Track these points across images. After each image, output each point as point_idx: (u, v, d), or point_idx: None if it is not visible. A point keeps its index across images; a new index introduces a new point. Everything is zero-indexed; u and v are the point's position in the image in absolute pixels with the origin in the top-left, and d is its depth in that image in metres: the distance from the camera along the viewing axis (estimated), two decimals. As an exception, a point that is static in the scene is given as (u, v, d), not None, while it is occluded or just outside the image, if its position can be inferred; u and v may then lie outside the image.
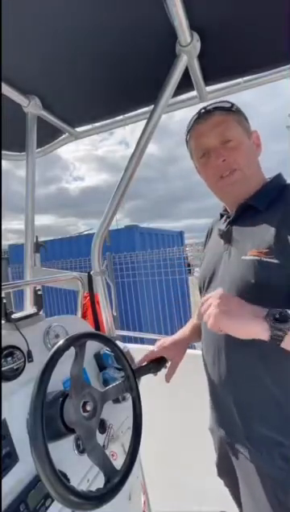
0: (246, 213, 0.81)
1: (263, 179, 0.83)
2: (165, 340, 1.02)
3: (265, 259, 0.69)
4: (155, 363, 0.97)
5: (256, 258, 0.70)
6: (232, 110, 0.82)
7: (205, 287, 0.92)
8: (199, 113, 0.85)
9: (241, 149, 0.79)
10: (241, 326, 0.60)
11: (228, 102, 0.83)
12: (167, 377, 1.00)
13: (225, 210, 0.93)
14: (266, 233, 0.71)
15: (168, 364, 1.00)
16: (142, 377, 0.94)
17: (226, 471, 0.93)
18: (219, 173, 0.81)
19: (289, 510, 0.69)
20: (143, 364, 0.97)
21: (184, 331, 1.08)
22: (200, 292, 0.97)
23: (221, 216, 0.95)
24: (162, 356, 0.99)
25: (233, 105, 0.83)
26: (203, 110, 0.84)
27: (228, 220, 0.86)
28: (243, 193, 0.81)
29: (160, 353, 0.99)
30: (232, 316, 0.61)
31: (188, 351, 1.04)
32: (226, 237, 0.84)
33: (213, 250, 0.92)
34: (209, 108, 0.83)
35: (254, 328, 0.58)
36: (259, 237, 0.73)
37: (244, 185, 0.81)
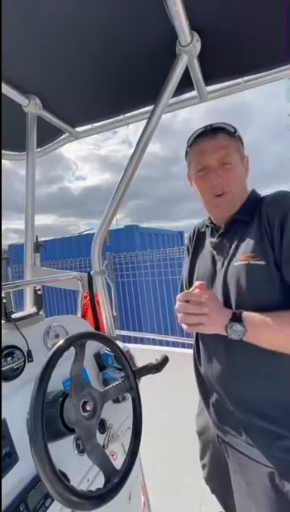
0: (234, 225, 0.89)
1: (246, 195, 0.91)
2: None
3: (252, 262, 0.77)
4: (156, 364, 0.97)
5: (245, 262, 0.79)
6: (234, 136, 0.89)
7: None
8: (205, 129, 0.90)
9: (235, 173, 0.87)
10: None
11: (231, 127, 0.89)
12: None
13: (212, 222, 0.99)
14: (250, 240, 0.80)
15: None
16: (142, 377, 0.94)
17: (217, 474, 0.93)
18: (213, 191, 0.88)
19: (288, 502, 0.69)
20: (144, 365, 0.97)
21: None
22: None
23: (207, 226, 1.02)
24: (165, 356, 0.99)
25: (236, 130, 0.90)
26: (209, 127, 0.89)
27: (219, 233, 0.93)
28: (231, 211, 0.90)
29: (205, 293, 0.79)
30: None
31: (188, 351, 1.04)
32: (219, 248, 0.91)
33: (206, 260, 0.96)
34: (215, 126, 0.89)
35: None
36: (246, 245, 0.81)
37: (232, 205, 0.89)
